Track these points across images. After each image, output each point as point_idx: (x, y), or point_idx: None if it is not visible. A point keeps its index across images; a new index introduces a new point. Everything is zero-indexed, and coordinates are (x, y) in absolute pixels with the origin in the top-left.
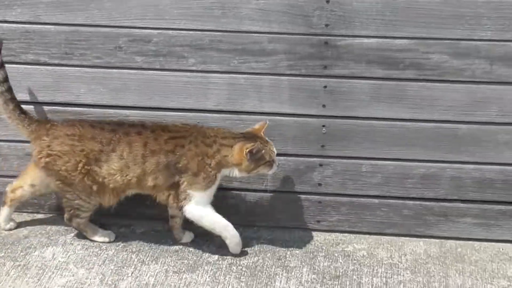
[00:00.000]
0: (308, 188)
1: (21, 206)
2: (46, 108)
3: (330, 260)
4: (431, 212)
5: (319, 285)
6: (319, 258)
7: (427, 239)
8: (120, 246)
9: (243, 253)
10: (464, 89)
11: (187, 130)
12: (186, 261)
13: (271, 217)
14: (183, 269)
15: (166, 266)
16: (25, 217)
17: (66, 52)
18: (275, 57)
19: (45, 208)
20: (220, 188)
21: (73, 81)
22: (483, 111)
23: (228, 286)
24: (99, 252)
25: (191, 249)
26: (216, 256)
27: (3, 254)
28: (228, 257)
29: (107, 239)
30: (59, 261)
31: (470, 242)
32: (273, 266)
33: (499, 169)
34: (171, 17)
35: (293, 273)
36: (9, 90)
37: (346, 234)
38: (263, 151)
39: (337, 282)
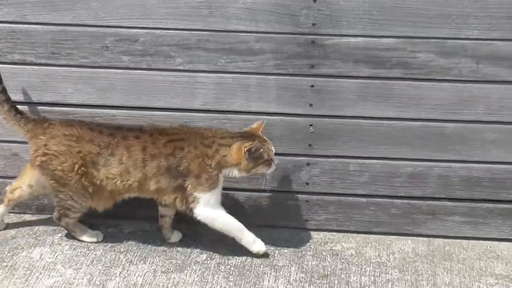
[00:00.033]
0: (296, 187)
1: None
2: (33, 108)
3: (318, 259)
4: (419, 211)
5: (307, 284)
6: (307, 257)
7: (415, 238)
8: (108, 246)
9: (235, 252)
10: (451, 88)
11: (185, 132)
12: (174, 260)
13: (259, 217)
14: (172, 268)
15: (154, 266)
16: (12, 217)
17: (52, 52)
18: (262, 57)
19: (33, 209)
20: None
21: (60, 81)
22: (469, 109)
23: (217, 286)
24: (87, 252)
25: (179, 248)
26: (205, 256)
27: None
28: (216, 256)
29: (95, 239)
30: (46, 261)
31: (458, 240)
32: (262, 265)
33: (486, 168)
34: (158, 16)
35: (281, 272)
36: (3, 91)
37: (334, 233)
38: (262, 149)
39: (325, 281)
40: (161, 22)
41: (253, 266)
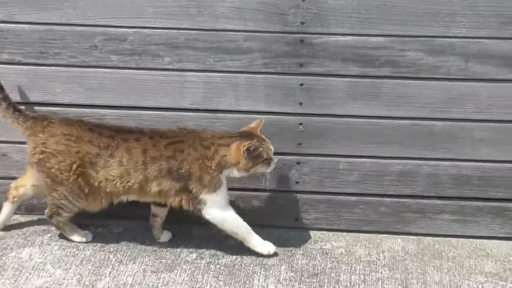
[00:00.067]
0: (286, 186)
1: None
2: (22, 108)
3: (308, 258)
4: (408, 209)
5: (297, 283)
6: (297, 256)
7: (405, 236)
8: (98, 246)
9: (225, 251)
10: (440, 86)
11: (184, 134)
12: (164, 260)
13: (249, 216)
14: (161, 268)
15: (144, 265)
16: None
17: (41, 51)
18: (250, 55)
19: (22, 209)
20: None
21: (48, 81)
22: (458, 108)
23: (206, 285)
24: (77, 252)
25: (169, 248)
26: (194, 255)
27: None
28: (206, 256)
29: (84, 239)
30: (36, 261)
31: (448, 238)
32: (252, 265)
33: (476, 166)
34: (147, 15)
35: (271, 271)
36: (1, 89)
37: (324, 232)
38: (260, 149)
39: (315, 280)
40: (149, 21)
41: (243, 265)
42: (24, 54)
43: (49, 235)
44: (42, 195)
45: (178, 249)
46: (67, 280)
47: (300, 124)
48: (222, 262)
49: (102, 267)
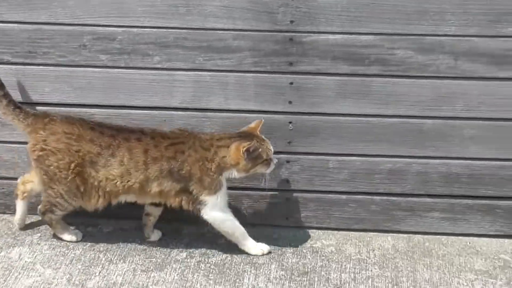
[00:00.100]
0: (276, 184)
1: None
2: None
3: (299, 257)
4: (398, 207)
5: (287, 281)
6: (287, 255)
7: (395, 234)
8: (88, 245)
9: (216, 250)
10: (429, 85)
11: (185, 136)
12: (154, 259)
13: (239, 215)
14: (151, 267)
15: (134, 264)
16: None
17: (29, 51)
18: (240, 54)
19: (11, 209)
20: None
21: (37, 80)
22: (448, 106)
23: (197, 284)
24: (66, 251)
25: (159, 247)
26: (184, 254)
27: None
28: (196, 255)
29: (74, 238)
30: (25, 261)
31: (438, 236)
32: (242, 263)
33: (465, 164)
34: (135, 14)
35: (261, 270)
36: (1, 86)
37: (314, 230)
38: (260, 149)
39: (305, 278)
40: (138, 20)
41: (233, 264)
42: (13, 53)
43: (39, 234)
44: None
45: (168, 248)
46: (57, 279)
47: (290, 122)
48: (212, 261)
49: (92, 267)
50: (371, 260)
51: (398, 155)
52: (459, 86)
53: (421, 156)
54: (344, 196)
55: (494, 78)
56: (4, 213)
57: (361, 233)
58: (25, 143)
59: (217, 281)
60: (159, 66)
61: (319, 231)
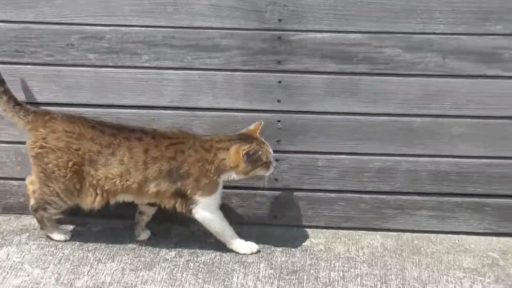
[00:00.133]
0: (265, 183)
1: None
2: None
3: (288, 255)
4: (387, 206)
5: (276, 280)
6: (276, 253)
7: (384, 232)
8: (76, 244)
9: (204, 249)
10: (418, 83)
11: (185, 137)
12: (143, 258)
13: (228, 213)
14: (140, 266)
15: (123, 264)
16: None
17: (17, 50)
18: (228, 53)
19: None
20: None
21: (25, 79)
22: (436, 104)
23: (186, 283)
24: (55, 251)
25: (148, 246)
26: (173, 253)
27: None
28: (185, 254)
29: (63, 238)
30: (13, 261)
31: (427, 234)
32: (231, 262)
33: (454, 162)
34: (123, 13)
35: (250, 269)
36: (2, 83)
37: (303, 229)
38: (260, 152)
39: (294, 277)
40: (126, 19)
41: (222, 263)
42: (0, 52)
43: (27, 234)
44: None
45: (157, 247)
46: (45, 279)
47: (279, 121)
48: (201, 260)
49: (81, 266)
50: (360, 258)
51: (387, 154)
52: (447, 84)
53: (410, 154)
54: (333, 195)
55: (482, 76)
56: None
57: (350, 231)
58: (14, 142)
59: (206, 280)
60: (147, 65)
61: (308, 229)
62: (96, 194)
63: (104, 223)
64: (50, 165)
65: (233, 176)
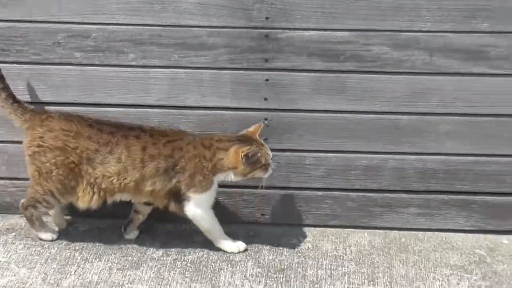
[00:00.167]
0: (252, 182)
1: None
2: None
3: (275, 254)
4: (375, 203)
5: (264, 278)
6: (263, 252)
7: (371, 230)
8: (63, 244)
9: (192, 248)
10: (405, 80)
11: (184, 134)
12: (130, 258)
13: (215, 212)
14: (127, 266)
15: (110, 263)
16: None
17: (2, 49)
18: (215, 51)
19: None
20: None
21: (11, 78)
22: (423, 102)
23: (173, 282)
24: (42, 251)
25: (135, 245)
26: (161, 252)
27: None
28: (172, 252)
29: (50, 237)
30: (0, 261)
31: (414, 232)
32: (218, 261)
33: (441, 159)
34: (110, 12)
35: (238, 267)
36: (2, 79)
37: (290, 227)
38: (259, 154)
39: (282, 275)
40: (113, 17)
41: (210, 261)
42: None
43: (14, 234)
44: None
45: (144, 247)
46: (32, 279)
47: (266, 119)
48: (188, 259)
49: (67, 265)
50: (348, 257)
51: (374, 151)
52: (434, 81)
53: (397, 152)
54: (320, 193)
55: (468, 74)
56: None
57: (338, 229)
58: (0, 141)
59: (193, 279)
60: (134, 63)
61: (296, 227)
62: (94, 193)
63: (91, 223)
64: (47, 164)
65: (231, 177)
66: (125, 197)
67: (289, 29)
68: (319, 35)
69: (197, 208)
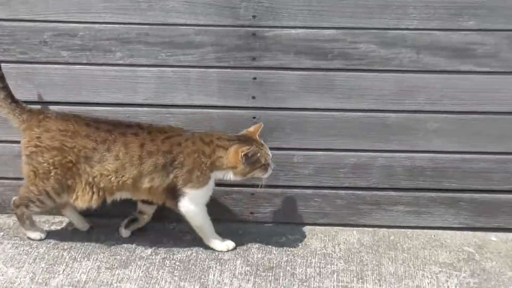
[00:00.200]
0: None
1: None
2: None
3: (264, 252)
4: (363, 201)
5: (252, 277)
6: (252, 250)
7: (360, 228)
8: (51, 243)
9: (180, 247)
10: (392, 78)
11: (184, 131)
12: (118, 256)
13: None
14: (116, 265)
15: (99, 262)
16: None
17: None
18: (202, 50)
19: None
20: None
21: None
22: (411, 99)
23: (161, 281)
24: (30, 250)
25: (123, 244)
26: (149, 251)
27: None
28: (161, 251)
29: (38, 237)
30: None
31: (403, 230)
32: (207, 259)
33: (429, 157)
34: (97, 10)
35: (226, 266)
36: (2, 79)
37: (279, 225)
38: (259, 154)
39: (271, 274)
40: (100, 16)
41: (198, 260)
42: None
43: (1, 233)
44: None
45: (133, 245)
46: (20, 278)
47: (254, 118)
48: (177, 258)
49: (56, 265)
50: (337, 255)
51: (362, 149)
52: (421, 79)
53: (385, 150)
54: (309, 191)
55: (455, 72)
56: None
57: (327, 227)
58: None
59: (182, 277)
60: (121, 62)
61: (285, 226)
62: (93, 193)
63: None
64: (45, 164)
65: (231, 176)
66: (124, 195)
67: (276, 27)
68: (306, 33)
69: (191, 204)
